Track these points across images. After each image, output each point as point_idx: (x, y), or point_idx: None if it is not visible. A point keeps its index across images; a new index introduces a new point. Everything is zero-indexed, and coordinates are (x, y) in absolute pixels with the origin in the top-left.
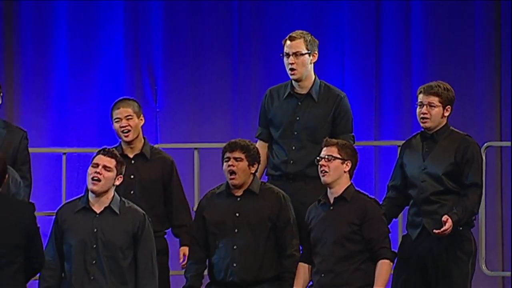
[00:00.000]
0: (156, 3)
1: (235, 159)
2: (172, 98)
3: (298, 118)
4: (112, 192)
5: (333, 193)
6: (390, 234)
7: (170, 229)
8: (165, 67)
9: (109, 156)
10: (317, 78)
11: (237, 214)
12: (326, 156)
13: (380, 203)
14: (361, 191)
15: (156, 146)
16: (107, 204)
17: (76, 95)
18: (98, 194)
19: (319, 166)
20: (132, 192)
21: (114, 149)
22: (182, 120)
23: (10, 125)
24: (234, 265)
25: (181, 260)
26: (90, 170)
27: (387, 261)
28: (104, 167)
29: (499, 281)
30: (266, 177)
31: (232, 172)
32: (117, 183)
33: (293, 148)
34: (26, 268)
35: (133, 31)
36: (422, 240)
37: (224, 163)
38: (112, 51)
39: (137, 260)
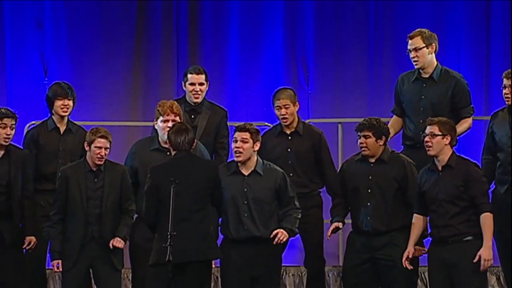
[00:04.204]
0: (308, 5)
1: (364, 136)
2: (320, 83)
3: (423, 97)
4: (255, 157)
5: (440, 162)
6: None
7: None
8: (315, 57)
9: (244, 131)
10: (438, 64)
11: (370, 177)
12: (429, 134)
13: (480, 166)
14: (463, 156)
15: (307, 121)
16: (253, 168)
17: (245, 81)
18: (243, 162)
19: (424, 142)
20: (289, 162)
21: (248, 124)
22: (328, 100)
23: (214, 106)
24: (368, 218)
25: None
26: (233, 144)
27: (488, 213)
28: (242, 140)
29: None
30: (403, 146)
31: (363, 147)
32: (256, 148)
33: (421, 121)
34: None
35: (290, 29)
36: (509, 193)
37: (358, 140)
38: (274, 45)
39: (280, 205)
